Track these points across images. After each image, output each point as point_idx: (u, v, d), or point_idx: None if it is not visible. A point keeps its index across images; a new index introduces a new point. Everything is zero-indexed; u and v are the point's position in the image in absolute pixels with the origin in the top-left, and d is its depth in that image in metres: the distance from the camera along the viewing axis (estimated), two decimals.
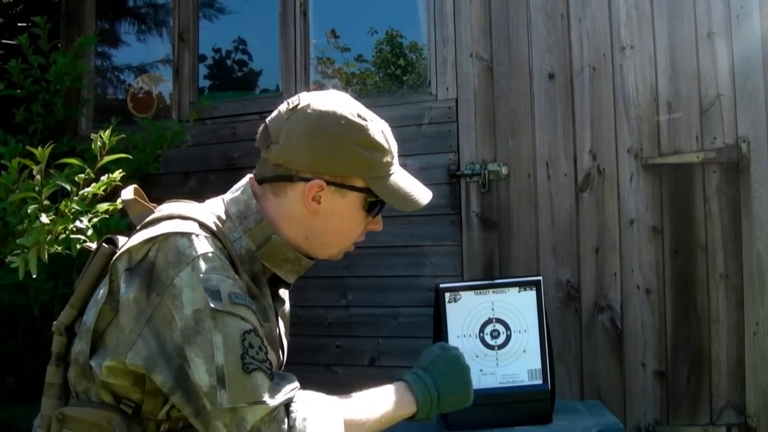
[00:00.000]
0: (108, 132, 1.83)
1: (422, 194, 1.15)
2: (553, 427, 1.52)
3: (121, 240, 1.07)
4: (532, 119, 2.58)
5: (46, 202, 1.73)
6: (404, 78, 3.21)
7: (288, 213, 1.09)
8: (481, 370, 1.54)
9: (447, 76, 2.69)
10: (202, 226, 1.01)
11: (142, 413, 0.98)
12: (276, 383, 0.96)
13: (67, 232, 1.72)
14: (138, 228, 1.04)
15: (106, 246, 1.05)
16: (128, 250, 0.98)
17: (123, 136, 1.97)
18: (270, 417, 0.93)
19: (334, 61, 3.19)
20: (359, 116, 1.08)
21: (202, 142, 2.91)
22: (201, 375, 0.92)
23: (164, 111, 3.26)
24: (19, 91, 2.59)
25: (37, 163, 1.72)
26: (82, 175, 1.79)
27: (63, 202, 1.74)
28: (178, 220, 1.01)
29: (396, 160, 1.14)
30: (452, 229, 2.64)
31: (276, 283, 1.15)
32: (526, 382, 1.53)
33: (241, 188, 1.13)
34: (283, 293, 1.20)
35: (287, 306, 1.23)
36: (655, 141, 2.47)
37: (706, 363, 2.39)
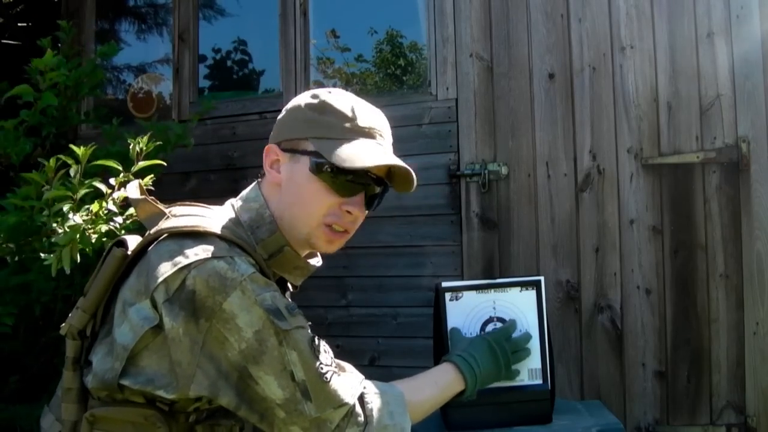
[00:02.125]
0: (146, 138, 1.85)
1: (378, 158, 1.04)
2: (553, 427, 1.51)
3: (131, 242, 1.06)
4: (532, 119, 2.58)
5: (83, 202, 1.74)
6: (404, 78, 3.21)
7: (267, 190, 1.12)
8: None
9: (447, 76, 2.69)
10: (231, 243, 1.01)
11: (174, 408, 1.00)
12: (347, 380, 1.03)
13: (99, 234, 1.72)
14: (153, 233, 1.03)
15: (117, 249, 1.04)
16: (164, 281, 0.96)
17: (159, 143, 2.00)
18: (350, 413, 1.00)
19: (334, 61, 3.19)
20: (330, 92, 1.10)
21: (202, 142, 2.91)
22: (273, 390, 0.96)
23: (164, 111, 3.26)
24: (36, 94, 2.58)
25: (78, 162, 1.73)
26: (119, 178, 1.80)
27: (96, 203, 1.75)
28: (206, 241, 0.99)
29: (368, 132, 1.07)
30: (452, 229, 2.64)
31: (282, 285, 1.16)
32: (526, 382, 1.53)
33: (252, 195, 1.12)
34: (286, 296, 1.20)
35: None
36: (655, 141, 2.48)
37: (706, 363, 2.39)
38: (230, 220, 1.08)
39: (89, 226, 1.69)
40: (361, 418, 1.01)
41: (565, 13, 2.57)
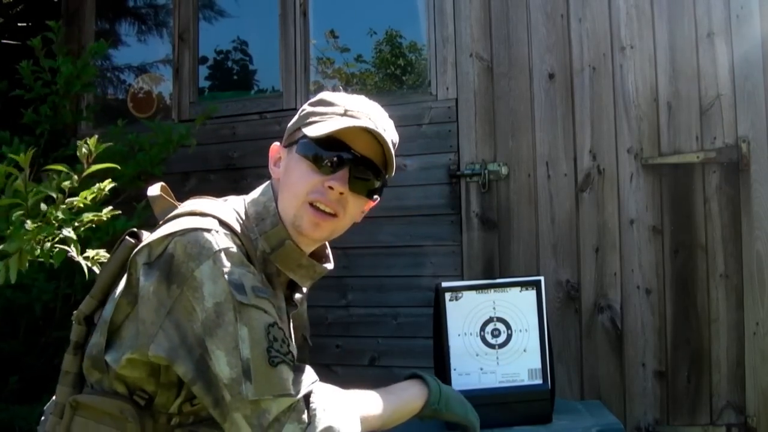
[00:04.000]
0: (94, 139, 1.78)
1: (345, 123, 1.04)
2: (553, 427, 1.52)
3: (145, 234, 1.08)
4: (532, 119, 2.58)
5: (37, 207, 1.71)
6: (404, 78, 3.21)
7: (276, 188, 1.13)
8: (482, 369, 1.54)
9: (447, 76, 2.69)
10: (222, 223, 1.02)
11: (154, 406, 1.00)
12: (298, 375, 0.98)
13: (51, 241, 1.69)
14: (160, 223, 1.06)
15: (129, 239, 1.07)
16: (148, 245, 0.99)
17: (110, 144, 1.89)
18: (291, 408, 0.95)
19: (334, 61, 3.19)
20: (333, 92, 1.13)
21: (202, 142, 2.91)
22: (222, 367, 0.93)
23: (164, 111, 3.26)
24: (28, 93, 2.58)
25: (21, 169, 1.69)
26: (68, 183, 1.75)
27: (49, 210, 1.72)
28: (198, 217, 1.02)
29: (350, 114, 1.07)
30: (452, 229, 2.64)
31: (292, 287, 1.16)
32: (526, 382, 1.53)
33: (263, 189, 1.14)
34: (297, 298, 1.20)
35: (304, 310, 1.24)
36: (655, 141, 2.48)
37: (706, 363, 2.39)
38: (236, 210, 1.09)
39: (36, 235, 1.65)
40: (305, 417, 0.95)
41: (565, 13, 2.57)
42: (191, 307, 0.95)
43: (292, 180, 1.08)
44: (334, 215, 1.07)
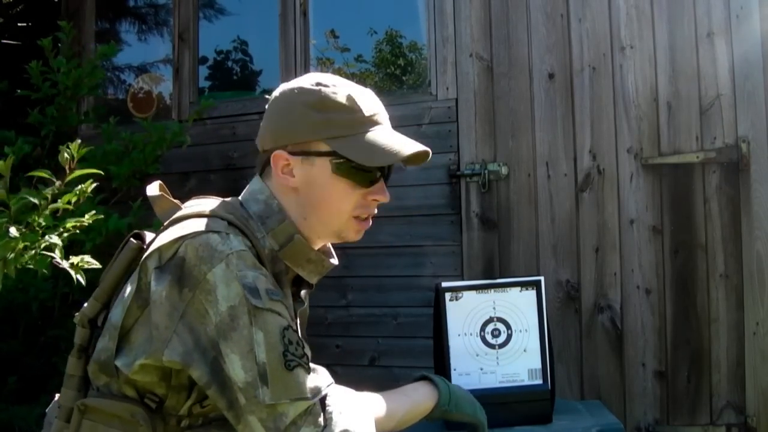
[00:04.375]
0: (76, 145, 1.77)
1: (403, 147, 1.06)
2: (553, 427, 1.52)
3: (149, 236, 1.07)
4: (532, 119, 2.58)
5: (21, 215, 1.69)
6: (404, 78, 3.22)
7: (280, 195, 1.10)
8: (482, 369, 1.54)
9: (447, 76, 2.69)
10: (232, 225, 1.02)
11: (164, 408, 1.00)
12: (313, 378, 0.98)
13: (36, 249, 1.67)
14: (165, 224, 1.05)
15: (134, 241, 1.06)
16: (158, 249, 0.98)
17: (91, 147, 1.86)
18: (308, 412, 0.95)
19: (334, 61, 3.19)
20: (318, 84, 1.07)
21: (202, 142, 2.91)
22: (237, 371, 0.93)
23: (164, 111, 3.26)
24: (35, 93, 2.57)
25: (1, 176, 1.67)
26: (49, 190, 1.73)
27: (32, 216, 1.70)
28: (207, 219, 1.01)
29: (375, 120, 1.08)
30: (452, 229, 2.64)
31: (299, 283, 1.16)
32: (526, 382, 1.53)
33: (257, 187, 1.13)
34: (303, 294, 1.20)
35: (307, 306, 1.24)
36: (655, 141, 2.48)
37: (706, 363, 2.39)
38: (239, 210, 1.09)
39: (19, 244, 1.63)
40: (321, 420, 0.95)
41: (565, 13, 2.57)
42: (204, 310, 0.94)
43: (332, 198, 1.08)
44: (371, 216, 1.13)
